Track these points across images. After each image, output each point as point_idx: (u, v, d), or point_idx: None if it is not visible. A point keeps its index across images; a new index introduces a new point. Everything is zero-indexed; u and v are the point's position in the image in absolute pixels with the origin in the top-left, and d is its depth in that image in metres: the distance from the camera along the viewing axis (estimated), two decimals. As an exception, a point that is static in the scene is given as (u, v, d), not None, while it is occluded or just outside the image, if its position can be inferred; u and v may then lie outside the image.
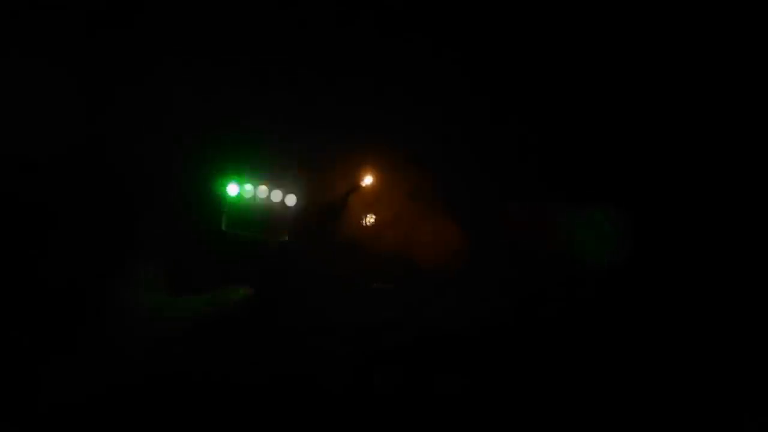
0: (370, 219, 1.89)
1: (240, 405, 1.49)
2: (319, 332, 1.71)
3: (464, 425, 1.64)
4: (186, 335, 1.38)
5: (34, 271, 1.45)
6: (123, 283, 1.41)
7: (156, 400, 1.35)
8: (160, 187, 1.57)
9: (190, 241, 1.53)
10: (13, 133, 1.48)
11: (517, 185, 1.86)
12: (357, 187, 1.86)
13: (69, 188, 1.52)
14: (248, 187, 1.52)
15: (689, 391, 1.59)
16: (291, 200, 1.56)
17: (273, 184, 1.56)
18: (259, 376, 1.56)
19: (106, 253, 1.47)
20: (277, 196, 1.54)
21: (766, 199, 1.57)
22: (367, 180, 1.86)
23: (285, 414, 1.53)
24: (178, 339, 1.37)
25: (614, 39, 1.64)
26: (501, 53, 1.78)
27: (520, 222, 1.84)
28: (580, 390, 1.65)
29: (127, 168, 1.57)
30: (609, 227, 1.69)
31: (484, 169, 1.88)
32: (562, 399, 1.65)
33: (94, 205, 1.53)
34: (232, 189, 1.52)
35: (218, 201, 1.53)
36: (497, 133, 1.85)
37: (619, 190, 1.69)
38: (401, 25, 1.78)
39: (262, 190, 1.53)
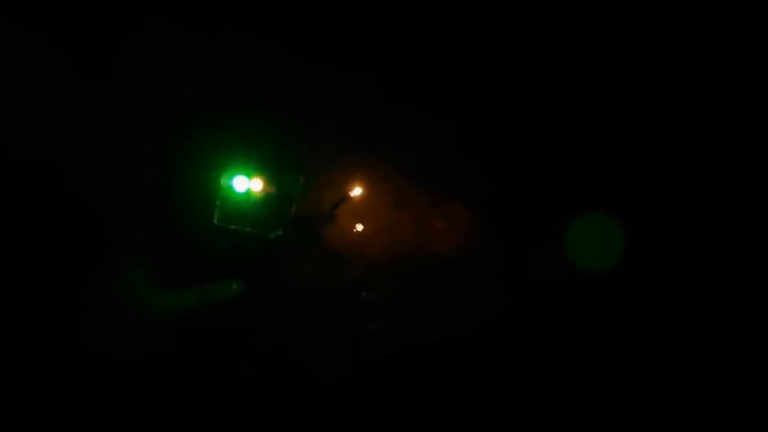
0: (358, 228, 1.86)
1: (228, 407, 1.43)
2: (309, 342, 1.67)
3: (464, 426, 1.60)
4: (174, 330, 1.31)
5: (16, 267, 1.38)
6: (110, 278, 1.34)
7: (142, 399, 1.28)
8: (150, 180, 1.52)
9: (180, 233, 1.47)
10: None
11: (511, 192, 1.85)
12: (346, 197, 1.83)
13: (52, 180, 1.46)
14: (241, 178, 1.47)
15: (689, 394, 1.57)
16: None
17: (268, 177, 1.51)
18: (250, 378, 1.50)
19: (93, 247, 1.40)
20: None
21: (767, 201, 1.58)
22: (357, 191, 1.83)
23: (276, 417, 1.47)
24: (166, 334, 1.30)
25: (613, 40, 1.65)
26: (495, 56, 1.78)
27: (513, 228, 1.82)
28: (580, 395, 1.62)
29: (116, 161, 1.52)
30: (608, 232, 1.68)
31: (476, 176, 1.87)
32: (560, 402, 1.62)
33: (81, 198, 1.47)
34: (224, 182, 1.47)
35: (210, 194, 1.48)
36: (490, 140, 1.84)
37: (619, 194, 1.69)
38: (395, 32, 1.78)
39: (256, 182, 1.48)
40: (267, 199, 1.52)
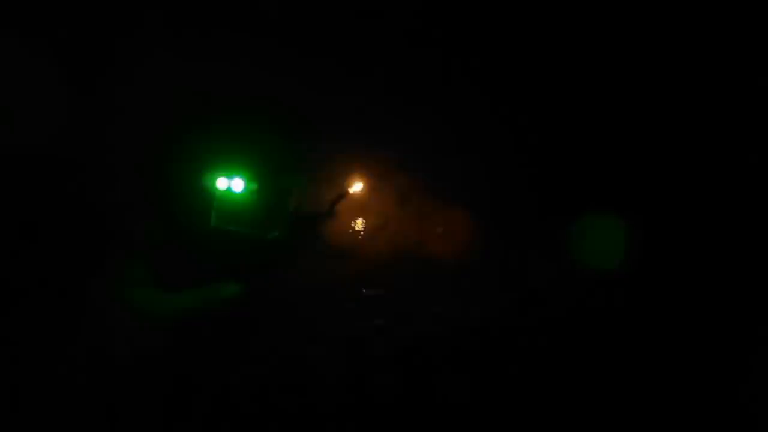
0: (359, 225, 1.85)
1: (228, 407, 1.43)
2: (309, 340, 1.66)
3: (464, 425, 1.60)
4: (174, 330, 1.31)
5: (19, 269, 1.38)
6: (109, 279, 1.34)
7: (142, 397, 1.29)
8: (149, 181, 1.52)
9: (178, 236, 1.47)
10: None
11: (512, 191, 1.84)
12: (345, 193, 1.82)
13: (54, 183, 1.46)
14: (238, 181, 1.47)
15: (690, 393, 1.57)
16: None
17: (266, 177, 1.51)
18: (250, 378, 1.50)
19: (92, 249, 1.40)
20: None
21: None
22: (357, 186, 1.82)
23: (276, 417, 1.47)
24: (165, 334, 1.30)
25: (615, 41, 1.64)
26: (498, 56, 1.77)
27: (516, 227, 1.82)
28: (580, 394, 1.62)
29: (115, 162, 1.51)
30: (609, 232, 1.68)
31: (477, 174, 1.86)
32: (562, 401, 1.61)
33: (80, 200, 1.47)
34: (222, 183, 1.47)
35: (208, 195, 1.47)
36: (492, 137, 1.83)
37: (621, 195, 1.68)
38: (396, 31, 1.77)
39: (253, 183, 1.48)
40: (265, 199, 1.51)
